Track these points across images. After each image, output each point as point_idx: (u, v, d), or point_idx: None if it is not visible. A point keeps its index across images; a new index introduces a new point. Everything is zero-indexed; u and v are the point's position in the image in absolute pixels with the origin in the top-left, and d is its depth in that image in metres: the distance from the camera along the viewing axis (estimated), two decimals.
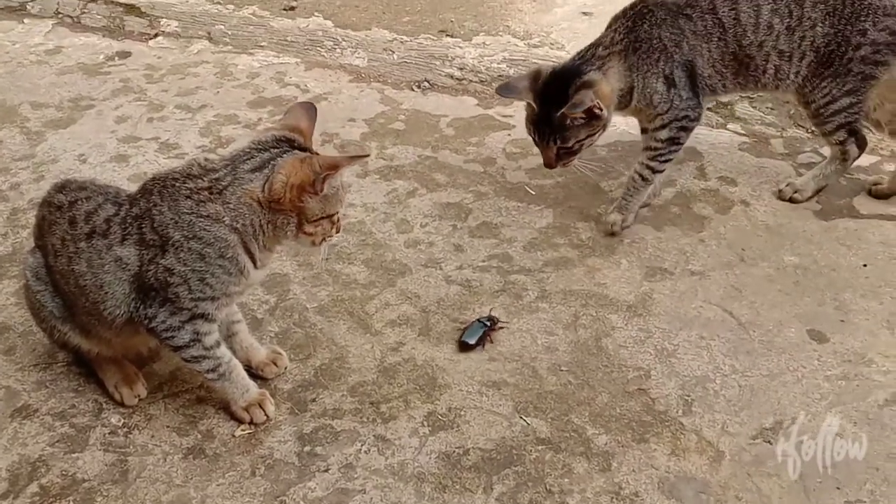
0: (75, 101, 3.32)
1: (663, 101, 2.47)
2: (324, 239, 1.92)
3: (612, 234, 2.57)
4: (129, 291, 1.89)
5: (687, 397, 2.08)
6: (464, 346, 2.23)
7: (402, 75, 3.49)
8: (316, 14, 3.90)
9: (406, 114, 3.25)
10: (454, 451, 1.97)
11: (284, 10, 3.96)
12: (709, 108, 2.96)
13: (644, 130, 2.61)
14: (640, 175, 2.57)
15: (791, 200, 2.70)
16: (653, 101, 2.47)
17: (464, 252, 2.56)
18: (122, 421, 2.05)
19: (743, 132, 3.07)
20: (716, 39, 2.47)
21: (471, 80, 3.43)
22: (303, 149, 1.88)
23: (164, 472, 1.93)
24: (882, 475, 1.89)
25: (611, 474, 1.91)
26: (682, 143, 2.56)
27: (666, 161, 2.57)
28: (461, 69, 3.48)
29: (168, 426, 2.04)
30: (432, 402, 2.09)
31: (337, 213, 1.91)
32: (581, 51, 2.50)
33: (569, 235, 2.60)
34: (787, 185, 2.72)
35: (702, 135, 2.98)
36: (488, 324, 2.25)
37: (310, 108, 2.02)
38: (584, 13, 3.71)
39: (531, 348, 2.23)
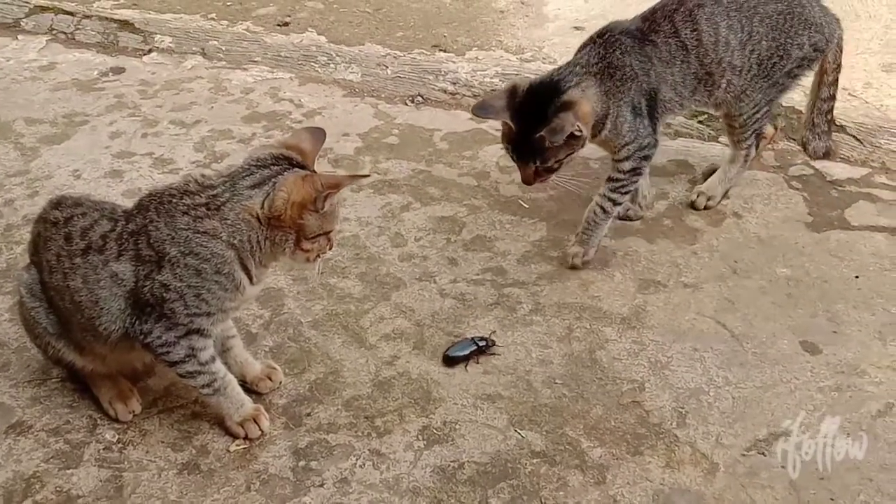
0: (69, 117, 3.32)
1: (630, 129, 2.42)
2: (318, 255, 1.93)
3: (574, 268, 2.51)
4: (124, 307, 1.89)
5: (681, 409, 2.09)
6: (447, 360, 2.22)
7: (396, 90, 3.51)
8: (310, 29, 3.92)
9: (400, 128, 3.26)
10: (449, 465, 1.97)
11: (278, 25, 3.97)
12: (699, 122, 2.97)
13: None
14: (602, 207, 2.50)
15: (706, 208, 2.72)
16: (622, 130, 2.41)
17: (458, 265, 2.56)
18: (117, 437, 2.05)
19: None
20: (679, 62, 2.46)
21: (464, 95, 3.45)
22: (301, 167, 1.90)
23: (158, 487, 1.93)
24: (876, 486, 1.89)
25: (605, 487, 1.91)
26: (642, 174, 2.53)
27: (627, 192, 2.52)
28: (454, 83, 3.50)
29: (163, 442, 2.04)
30: (427, 416, 2.09)
31: (333, 229, 1.92)
32: (558, 68, 2.42)
33: (563, 248, 2.60)
34: (698, 196, 2.74)
35: (694, 147, 3.00)
36: (481, 344, 2.23)
37: (316, 133, 2.03)
38: (576, 28, 3.73)
39: (525, 361, 2.23)
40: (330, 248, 1.95)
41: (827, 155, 2.83)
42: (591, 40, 2.45)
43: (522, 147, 2.35)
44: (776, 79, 2.57)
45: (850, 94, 3.24)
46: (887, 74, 3.36)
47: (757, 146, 2.74)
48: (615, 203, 2.50)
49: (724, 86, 2.53)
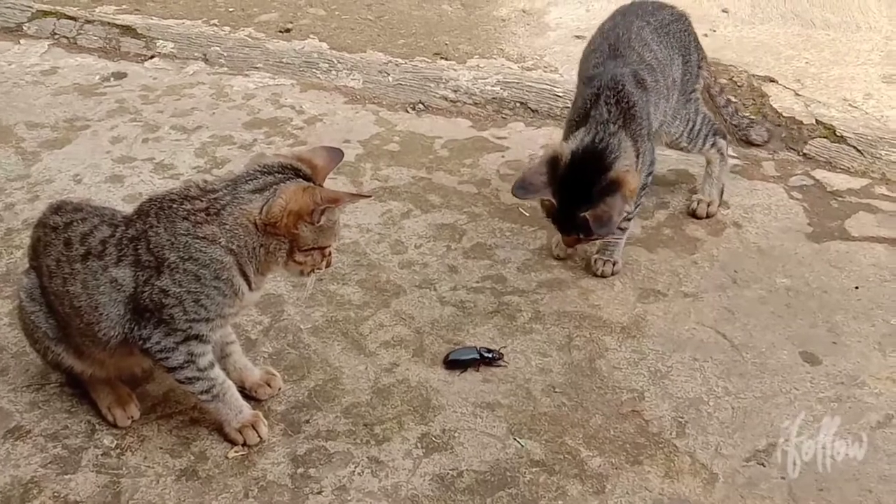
0: (71, 122, 3.33)
1: (649, 156, 2.43)
2: (312, 270, 1.93)
3: (603, 275, 2.50)
4: (123, 312, 1.89)
5: (680, 419, 2.08)
6: (448, 363, 2.23)
7: (397, 97, 3.51)
8: (311, 36, 3.92)
9: (401, 135, 3.26)
10: (448, 473, 1.97)
11: (280, 32, 3.98)
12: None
13: None
14: (619, 228, 2.43)
15: (708, 216, 2.73)
16: (645, 160, 2.41)
17: (458, 273, 2.56)
18: (115, 442, 2.04)
19: (735, 155, 3.08)
20: (653, 83, 2.46)
21: (465, 103, 3.46)
22: (307, 179, 1.89)
23: (156, 493, 1.92)
24: (875, 497, 1.89)
25: (605, 497, 1.91)
26: (649, 186, 2.54)
27: (639, 207, 2.54)
28: (455, 91, 3.50)
29: (161, 448, 2.03)
30: (426, 424, 2.08)
31: (329, 246, 1.92)
32: (591, 128, 2.27)
33: (563, 257, 2.60)
34: (698, 204, 2.75)
35: (694, 158, 3.00)
36: (487, 356, 2.22)
37: (334, 152, 2.02)
38: (577, 37, 3.73)
39: (525, 369, 2.23)
40: (326, 266, 1.95)
41: (769, 139, 3.03)
42: (599, 89, 2.33)
43: (566, 222, 2.26)
44: (689, 95, 2.68)
45: (850, 104, 3.25)
46: (888, 86, 3.37)
47: (724, 136, 2.78)
48: (629, 220, 2.50)
49: (672, 101, 2.57)
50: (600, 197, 2.17)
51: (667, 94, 2.54)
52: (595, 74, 2.41)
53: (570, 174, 2.21)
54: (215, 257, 1.85)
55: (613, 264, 2.50)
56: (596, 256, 2.51)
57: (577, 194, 2.19)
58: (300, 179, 1.88)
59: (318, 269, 1.94)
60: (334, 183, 2.88)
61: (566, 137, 2.38)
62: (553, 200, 2.23)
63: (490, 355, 2.23)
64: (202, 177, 2.91)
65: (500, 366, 2.23)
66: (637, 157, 2.34)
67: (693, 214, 2.75)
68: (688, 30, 2.68)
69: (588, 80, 2.43)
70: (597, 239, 2.36)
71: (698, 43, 2.73)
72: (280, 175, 1.87)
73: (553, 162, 2.23)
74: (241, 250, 1.86)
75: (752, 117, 3.10)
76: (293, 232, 1.85)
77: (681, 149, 2.75)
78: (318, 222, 1.85)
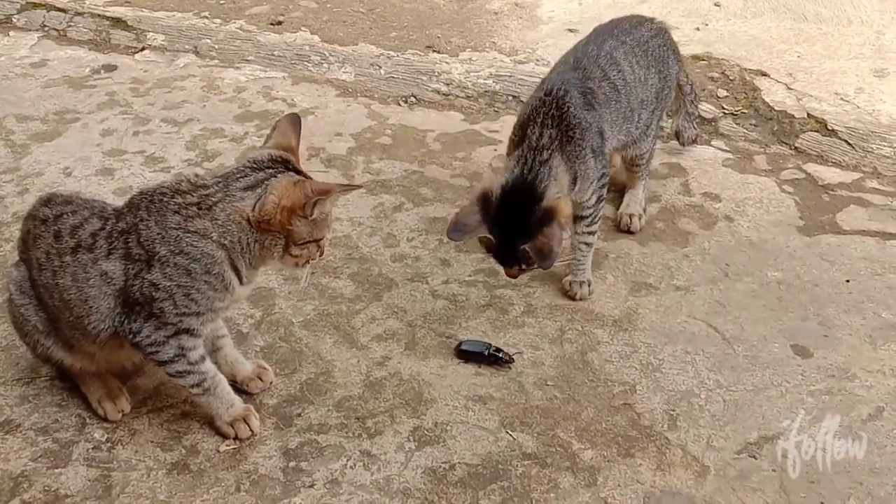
0: (60, 115, 3.31)
1: (594, 173, 2.36)
2: (307, 262, 1.93)
3: (581, 300, 2.45)
4: (113, 306, 1.89)
5: (672, 412, 2.09)
6: (459, 352, 2.23)
7: (389, 90, 3.50)
8: (303, 29, 3.91)
9: (393, 128, 3.25)
10: (440, 467, 1.96)
11: (271, 24, 3.96)
12: (694, 123, 2.99)
13: None
14: (585, 244, 2.44)
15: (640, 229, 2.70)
16: (589, 177, 2.35)
17: (450, 266, 2.56)
18: (106, 436, 2.04)
19: (727, 148, 3.09)
20: (613, 102, 2.44)
21: (457, 96, 3.45)
22: (297, 171, 1.89)
23: (147, 487, 1.92)
24: (866, 489, 1.90)
25: (596, 489, 1.91)
26: (604, 200, 2.46)
27: (599, 220, 2.46)
28: (448, 84, 3.49)
29: (152, 441, 2.03)
30: (418, 417, 2.08)
31: (323, 237, 1.92)
32: (522, 156, 2.23)
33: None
34: (631, 219, 2.69)
35: (686, 151, 3.00)
36: (498, 354, 2.21)
37: (295, 121, 2.02)
38: (570, 30, 3.73)
39: (517, 363, 2.23)
40: (320, 256, 1.95)
41: (694, 141, 3.03)
42: (539, 106, 2.29)
43: (506, 255, 2.23)
44: (664, 108, 2.72)
45: (842, 98, 3.25)
46: (879, 80, 3.37)
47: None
48: (593, 234, 2.45)
49: (637, 121, 2.55)
50: (538, 228, 2.15)
51: (631, 115, 2.50)
52: (546, 80, 2.39)
53: (503, 209, 2.18)
54: (206, 252, 1.84)
55: (588, 284, 2.45)
56: (569, 279, 2.46)
57: (513, 228, 2.17)
58: (290, 173, 1.87)
59: (314, 260, 1.94)
60: (326, 176, 2.88)
61: (508, 154, 2.35)
62: (491, 237, 2.20)
63: (499, 355, 2.21)
64: (193, 171, 2.91)
65: (505, 368, 2.21)
66: (574, 180, 2.29)
67: (627, 230, 2.69)
68: (666, 44, 2.66)
69: (540, 84, 2.41)
70: (540, 268, 2.27)
71: (678, 54, 2.72)
72: (270, 170, 1.87)
73: (485, 199, 2.19)
74: (234, 245, 1.86)
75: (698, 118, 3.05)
76: (288, 227, 1.84)
77: (634, 168, 2.71)
78: (310, 215, 1.84)
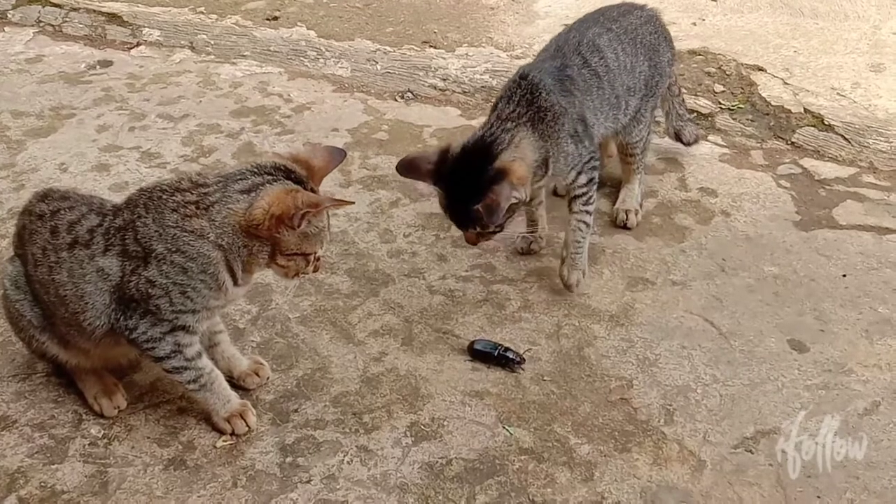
0: (56, 110, 3.30)
1: (574, 157, 2.36)
2: (297, 274, 1.91)
3: (572, 290, 2.43)
4: (109, 302, 1.88)
5: (669, 407, 2.09)
6: (473, 352, 2.22)
7: (386, 85, 3.50)
8: (299, 24, 3.90)
9: (389, 124, 3.25)
10: (437, 462, 1.97)
11: (267, 20, 3.96)
12: (690, 120, 2.99)
13: (554, 193, 2.69)
14: (583, 224, 2.42)
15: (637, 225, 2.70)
16: (568, 161, 2.35)
17: (447, 262, 2.56)
18: (102, 432, 2.04)
19: (723, 143, 3.09)
20: (595, 89, 2.44)
21: (454, 91, 3.45)
22: (299, 181, 1.86)
23: (144, 483, 1.92)
24: (862, 483, 1.90)
25: (593, 484, 1.92)
26: (597, 181, 2.45)
27: (594, 201, 2.45)
28: (444, 80, 3.49)
29: (148, 437, 2.03)
30: (415, 413, 2.08)
31: (314, 253, 1.89)
32: (487, 123, 2.27)
33: (552, 245, 2.60)
34: (627, 216, 2.69)
35: (683, 146, 3.00)
36: (507, 355, 2.19)
37: (336, 153, 2.01)
38: (566, 25, 3.72)
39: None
40: (314, 271, 1.93)
41: (697, 140, 2.98)
42: (513, 88, 2.31)
43: (459, 215, 2.23)
44: (656, 95, 2.70)
45: (838, 93, 3.26)
46: (875, 74, 3.37)
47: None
48: (590, 213, 2.44)
49: (625, 107, 2.55)
50: (488, 187, 2.15)
51: (617, 102, 2.50)
52: (523, 67, 2.40)
53: (456, 167, 2.19)
54: (203, 251, 1.83)
55: (583, 274, 2.43)
56: (565, 266, 2.44)
57: (464, 187, 2.17)
58: (288, 182, 1.84)
59: (305, 273, 1.92)
60: (326, 178, 2.87)
61: None
62: (441, 191, 2.23)
63: (510, 356, 2.19)
64: (195, 169, 2.91)
65: (516, 371, 2.19)
66: (545, 161, 2.29)
67: (623, 225, 2.69)
68: (657, 31, 2.65)
69: (518, 70, 2.41)
70: (492, 232, 2.27)
71: (670, 41, 2.71)
72: (269, 176, 1.84)
73: (444, 153, 2.21)
74: (230, 247, 1.84)
75: (691, 115, 3.04)
76: (275, 236, 1.82)
77: (628, 157, 2.71)
78: (298, 227, 1.82)
